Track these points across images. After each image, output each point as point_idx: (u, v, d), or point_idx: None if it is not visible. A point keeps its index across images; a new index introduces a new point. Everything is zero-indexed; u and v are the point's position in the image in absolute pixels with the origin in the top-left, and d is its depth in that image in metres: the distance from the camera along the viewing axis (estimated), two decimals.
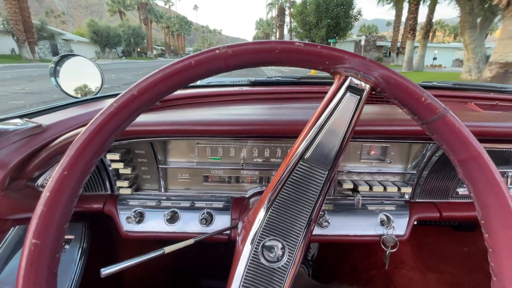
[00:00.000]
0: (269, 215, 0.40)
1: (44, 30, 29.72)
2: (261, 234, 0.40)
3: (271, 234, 0.40)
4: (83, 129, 0.31)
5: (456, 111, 0.87)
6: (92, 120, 0.31)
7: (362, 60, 0.33)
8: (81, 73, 1.08)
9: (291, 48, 0.32)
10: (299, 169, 0.39)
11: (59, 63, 1.01)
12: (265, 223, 0.40)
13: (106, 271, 0.46)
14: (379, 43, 38.92)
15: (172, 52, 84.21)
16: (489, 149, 0.72)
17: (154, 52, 68.75)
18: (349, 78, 0.34)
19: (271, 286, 0.39)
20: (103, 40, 35.26)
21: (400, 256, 1.33)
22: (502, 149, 0.72)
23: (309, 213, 0.39)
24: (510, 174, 0.76)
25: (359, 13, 28.59)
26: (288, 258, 0.39)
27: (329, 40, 28.58)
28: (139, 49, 46.00)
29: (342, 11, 28.11)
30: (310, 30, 29.85)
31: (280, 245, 0.40)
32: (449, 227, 1.32)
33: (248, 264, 0.40)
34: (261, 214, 0.40)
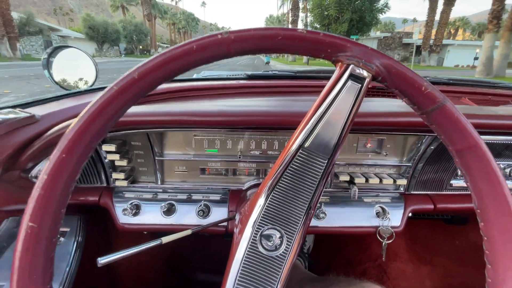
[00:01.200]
0: (269, 202, 0.40)
1: (31, 25, 26.09)
2: (260, 221, 0.40)
3: (270, 222, 0.40)
4: (81, 112, 0.31)
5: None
6: (92, 103, 0.31)
7: (364, 48, 0.33)
8: (75, 65, 1.06)
9: (293, 35, 0.32)
10: (299, 157, 0.39)
11: (52, 54, 0.99)
12: (265, 210, 0.40)
13: (102, 260, 0.46)
14: (405, 40, 34.08)
15: None
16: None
17: (159, 49, 63.95)
18: (351, 66, 0.34)
19: (269, 275, 0.39)
20: (100, 36, 32.31)
21: (393, 249, 1.36)
22: (493, 142, 0.74)
23: (308, 201, 0.40)
24: (502, 166, 0.78)
25: (386, 5, 24.03)
26: (286, 247, 0.40)
27: (352, 37, 24.43)
28: (141, 47, 42.91)
29: (367, 3, 23.68)
30: (329, 25, 26.31)
31: (278, 234, 0.40)
32: (441, 220, 1.35)
33: (246, 252, 0.40)
34: (261, 200, 0.40)
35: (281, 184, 0.40)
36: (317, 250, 1.42)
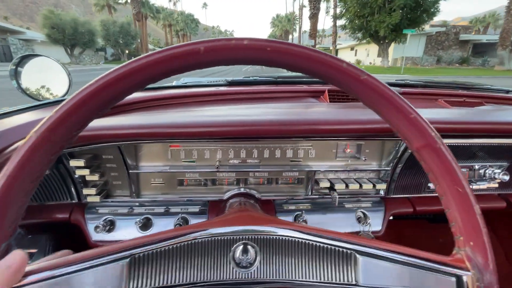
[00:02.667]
0: None
1: None
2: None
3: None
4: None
5: (426, 108, 0.90)
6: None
7: None
8: (46, 74, 1.02)
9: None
10: None
11: (20, 64, 0.94)
12: None
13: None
14: (463, 37, 26.50)
15: None
16: (454, 144, 0.74)
17: None
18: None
19: None
20: (67, 39, 25.31)
21: None
22: (467, 144, 0.75)
23: None
24: (476, 167, 0.80)
25: None
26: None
27: (406, 31, 17.50)
28: (128, 51, 34.97)
29: None
30: (370, 16, 19.47)
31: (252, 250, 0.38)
32: (425, 220, 1.37)
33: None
34: None
35: None
36: None
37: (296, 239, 0.37)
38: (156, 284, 0.34)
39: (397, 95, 0.32)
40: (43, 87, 0.99)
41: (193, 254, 0.36)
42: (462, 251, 0.32)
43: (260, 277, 0.36)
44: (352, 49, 39.55)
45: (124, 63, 0.29)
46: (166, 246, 0.35)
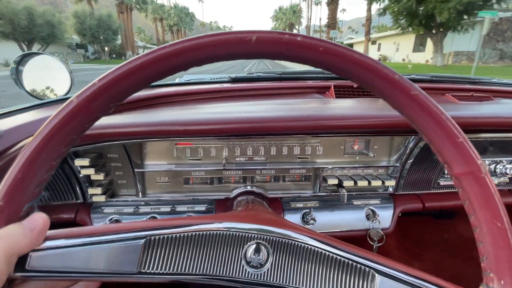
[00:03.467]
0: None
1: None
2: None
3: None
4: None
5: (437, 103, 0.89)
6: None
7: None
8: (48, 73, 1.00)
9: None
10: None
11: (21, 62, 0.93)
12: None
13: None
14: None
15: None
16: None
17: (141, 51, 53.45)
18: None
19: None
20: (19, 32, 19.75)
21: (385, 248, 1.35)
22: (477, 139, 0.74)
23: None
24: (487, 162, 0.78)
25: None
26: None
27: (483, 14, 9.38)
28: (107, 48, 29.82)
29: None
30: (420, 3, 15.08)
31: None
32: (430, 216, 1.36)
33: None
34: None
35: None
36: None
37: (312, 247, 0.36)
38: (167, 270, 0.33)
39: (447, 116, 0.30)
40: (44, 85, 0.98)
41: (205, 245, 0.35)
42: None
43: (270, 280, 0.35)
44: (373, 42, 33.07)
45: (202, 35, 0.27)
46: (181, 233, 0.34)
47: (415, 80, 1.16)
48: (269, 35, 0.28)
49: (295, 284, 0.35)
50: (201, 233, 0.35)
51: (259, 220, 0.40)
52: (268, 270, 0.36)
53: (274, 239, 0.37)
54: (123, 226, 0.34)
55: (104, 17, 27.68)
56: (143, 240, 0.33)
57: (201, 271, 0.34)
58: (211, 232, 0.36)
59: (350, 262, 0.35)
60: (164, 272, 0.33)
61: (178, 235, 0.34)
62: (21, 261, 0.28)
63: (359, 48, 33.63)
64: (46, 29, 21.71)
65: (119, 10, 33.51)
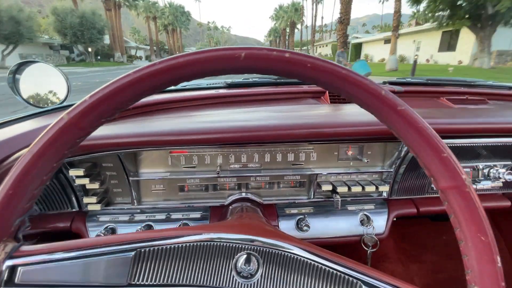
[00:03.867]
0: None
1: None
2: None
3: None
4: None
5: (429, 107, 0.89)
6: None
7: None
8: (45, 80, 1.01)
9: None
10: None
11: (17, 71, 0.94)
12: None
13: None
14: None
15: (166, 52, 62.08)
16: (459, 145, 0.73)
17: (133, 52, 48.86)
18: None
19: None
20: None
21: (382, 250, 1.36)
22: (470, 144, 0.74)
23: None
24: (480, 167, 0.79)
25: None
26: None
27: None
28: (90, 49, 25.84)
29: None
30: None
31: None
32: (427, 218, 1.36)
33: None
34: None
35: None
36: None
37: (302, 258, 0.37)
38: (157, 281, 0.33)
39: (433, 131, 0.31)
40: (42, 93, 0.98)
41: (196, 256, 0.36)
42: None
43: None
44: (387, 41, 26.38)
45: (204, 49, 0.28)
46: (171, 244, 0.35)
47: (410, 84, 1.16)
48: (258, 52, 0.29)
49: None
50: (191, 244, 0.36)
51: (251, 230, 0.40)
52: (258, 281, 0.36)
53: (265, 249, 0.38)
54: (113, 239, 0.34)
55: (87, 15, 24.21)
56: (133, 253, 0.33)
57: (191, 282, 0.35)
58: (201, 243, 0.36)
59: (339, 273, 0.36)
60: (154, 284, 0.33)
61: (168, 247, 0.35)
62: (10, 275, 0.29)
63: (372, 48, 31.08)
64: (9, 27, 17.82)
65: (106, 7, 28.92)
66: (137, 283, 0.33)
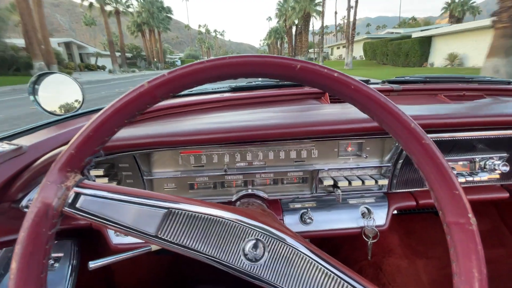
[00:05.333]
0: None
1: None
2: None
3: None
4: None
5: (425, 104, 0.92)
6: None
7: None
8: (61, 90, 1.08)
9: None
10: None
11: (37, 82, 1.01)
12: None
13: (93, 264, 0.48)
14: None
15: (144, 59, 48.40)
16: (453, 138, 0.77)
17: (93, 61, 37.39)
18: None
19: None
20: None
21: (388, 245, 1.38)
22: (466, 138, 0.77)
23: None
24: (477, 159, 0.82)
25: None
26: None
27: None
28: None
29: None
30: None
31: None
32: (431, 213, 1.38)
33: None
34: None
35: None
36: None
37: (304, 256, 0.40)
38: (177, 241, 0.38)
39: (449, 167, 0.34)
40: (59, 102, 1.05)
41: (214, 229, 0.40)
42: None
43: (261, 275, 0.40)
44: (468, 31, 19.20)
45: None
46: (198, 213, 0.40)
47: (408, 82, 1.19)
48: (312, 67, 0.34)
49: (282, 284, 0.39)
50: (212, 218, 0.40)
51: (262, 220, 0.45)
52: (261, 266, 0.40)
53: (272, 240, 0.42)
54: (153, 194, 0.40)
55: None
56: (165, 210, 0.38)
57: (205, 251, 0.39)
58: (221, 219, 0.41)
59: (338, 279, 0.39)
60: (175, 242, 0.38)
61: (193, 214, 0.39)
62: (73, 200, 0.35)
63: (454, 43, 20.31)
64: None
65: None
66: (163, 237, 0.38)
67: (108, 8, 34.37)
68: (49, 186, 0.34)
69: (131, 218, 0.37)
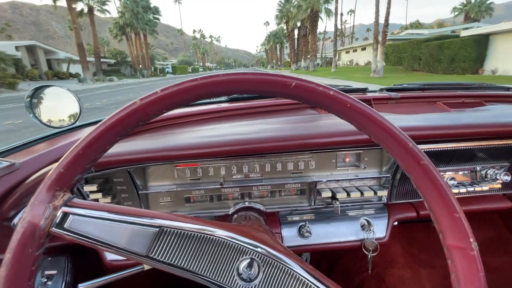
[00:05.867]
0: None
1: None
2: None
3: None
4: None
5: (425, 113, 0.91)
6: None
7: None
8: (58, 103, 1.08)
9: None
10: None
11: (34, 95, 1.01)
12: None
13: (83, 286, 0.47)
14: None
15: (130, 66, 41.31)
16: (454, 148, 0.75)
17: (67, 69, 31.93)
18: None
19: None
20: None
21: (390, 255, 1.36)
22: (468, 147, 0.76)
23: None
24: (478, 169, 0.80)
25: None
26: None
27: None
28: None
29: None
30: None
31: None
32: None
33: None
34: None
35: None
36: (316, 262, 1.42)
37: (300, 277, 0.39)
38: (169, 260, 0.37)
39: (450, 190, 0.33)
40: (56, 115, 1.05)
41: (207, 248, 0.39)
42: None
43: None
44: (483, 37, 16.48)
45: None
46: (189, 230, 0.38)
47: (407, 89, 1.19)
48: (307, 84, 0.33)
49: None
50: (205, 236, 0.39)
51: (256, 238, 0.44)
52: (255, 286, 0.39)
53: (267, 259, 0.41)
54: (146, 213, 0.39)
55: None
56: (156, 229, 0.37)
57: (198, 271, 0.38)
58: (214, 238, 0.39)
59: None
60: (167, 261, 0.37)
61: (186, 232, 0.38)
62: (61, 220, 0.35)
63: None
64: None
65: None
66: (154, 256, 0.37)
67: (81, 6, 28.44)
68: (37, 205, 0.33)
69: (121, 238, 0.36)
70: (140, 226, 0.37)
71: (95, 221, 0.36)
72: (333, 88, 0.34)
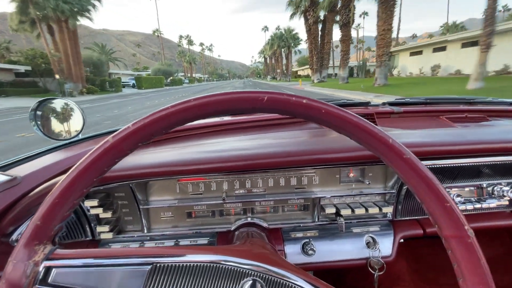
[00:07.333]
0: None
1: None
2: None
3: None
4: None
5: (429, 128, 0.91)
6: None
7: None
8: (62, 115, 1.09)
9: None
10: None
11: (38, 108, 1.02)
12: None
13: None
14: None
15: (60, 77, 21.48)
16: (459, 164, 0.74)
17: None
18: None
19: None
20: None
21: (396, 272, 1.32)
22: (474, 164, 0.75)
23: None
24: (484, 185, 0.79)
25: None
26: None
27: None
28: None
29: None
30: None
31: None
32: (440, 238, 1.33)
33: None
34: None
35: None
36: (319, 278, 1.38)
37: None
38: None
39: (436, 180, 0.33)
40: (60, 127, 1.06)
41: (205, 276, 0.37)
42: None
43: None
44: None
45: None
46: (183, 262, 0.37)
47: (409, 104, 1.19)
48: (279, 96, 0.33)
49: None
50: (201, 264, 0.38)
51: (257, 257, 0.42)
52: None
53: (271, 277, 0.39)
54: (135, 251, 0.38)
55: None
56: (149, 267, 0.36)
57: None
58: (210, 264, 0.38)
59: None
60: None
61: (180, 265, 0.37)
62: (45, 275, 0.32)
63: None
64: None
65: None
66: None
67: None
68: (16, 265, 0.31)
69: (112, 284, 0.35)
70: (130, 266, 0.35)
71: (81, 270, 0.35)
72: (307, 97, 0.34)
